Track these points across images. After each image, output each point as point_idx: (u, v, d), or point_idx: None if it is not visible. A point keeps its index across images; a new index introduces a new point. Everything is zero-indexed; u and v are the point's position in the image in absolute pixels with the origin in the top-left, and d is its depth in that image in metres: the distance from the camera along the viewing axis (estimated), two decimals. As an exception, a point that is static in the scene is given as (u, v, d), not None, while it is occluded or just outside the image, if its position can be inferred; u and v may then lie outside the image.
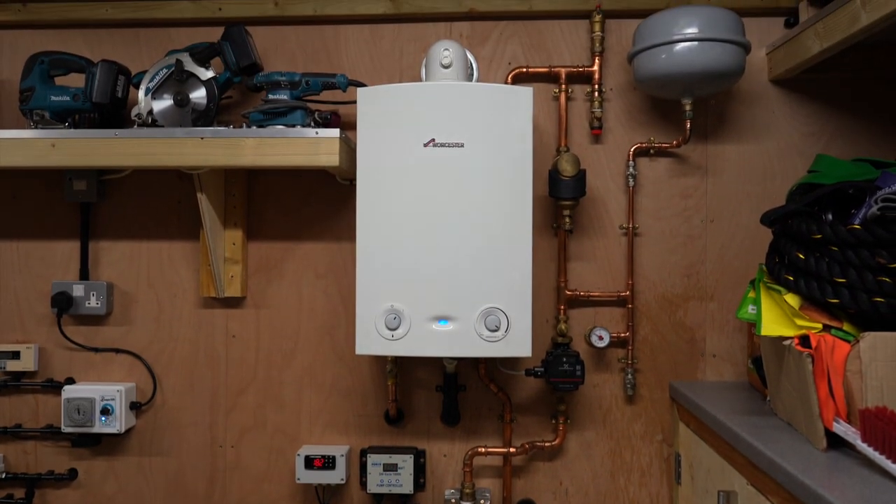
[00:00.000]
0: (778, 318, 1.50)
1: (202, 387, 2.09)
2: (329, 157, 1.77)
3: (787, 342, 1.47)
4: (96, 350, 2.10)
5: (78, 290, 2.07)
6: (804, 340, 1.42)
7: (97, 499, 2.10)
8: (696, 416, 1.80)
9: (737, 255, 2.02)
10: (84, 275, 2.09)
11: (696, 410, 1.78)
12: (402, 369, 2.04)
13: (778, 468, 1.30)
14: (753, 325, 1.89)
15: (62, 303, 2.04)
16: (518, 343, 1.75)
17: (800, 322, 1.45)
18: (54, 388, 2.08)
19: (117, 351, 2.10)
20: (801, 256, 1.50)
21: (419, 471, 2.03)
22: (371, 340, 1.76)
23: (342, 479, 1.98)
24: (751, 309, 1.68)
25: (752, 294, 1.70)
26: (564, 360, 1.90)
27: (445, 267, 1.75)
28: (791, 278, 1.51)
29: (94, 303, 2.07)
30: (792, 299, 1.49)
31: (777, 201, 1.78)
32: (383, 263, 1.76)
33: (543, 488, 2.05)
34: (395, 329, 1.75)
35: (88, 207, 2.10)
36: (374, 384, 2.06)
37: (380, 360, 2.06)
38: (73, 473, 2.09)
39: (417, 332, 1.75)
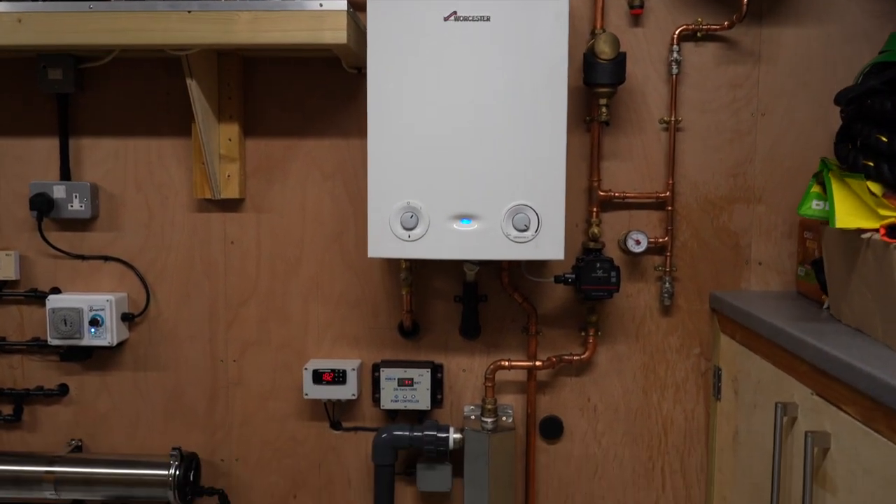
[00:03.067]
0: (855, 209, 1.32)
1: (200, 298, 1.92)
2: (335, 33, 1.55)
3: (866, 235, 1.29)
4: (82, 258, 1.92)
5: (59, 192, 1.87)
6: (891, 231, 1.23)
7: (90, 416, 1.96)
8: (744, 326, 1.64)
9: (790, 152, 1.81)
10: (65, 175, 1.89)
11: (746, 320, 1.61)
12: (417, 278, 1.87)
13: (859, 374, 1.14)
14: (806, 228, 1.71)
15: (42, 205, 1.85)
16: (549, 244, 1.57)
17: (884, 211, 1.26)
18: (38, 298, 1.90)
19: (105, 258, 1.92)
20: (884, 139, 1.30)
21: (436, 386, 1.88)
22: (385, 241, 1.58)
23: (353, 395, 1.84)
24: (815, 204, 1.50)
25: (815, 188, 1.51)
26: (598, 265, 1.72)
27: (468, 159, 1.55)
28: (871, 164, 1.31)
29: (77, 206, 1.87)
30: (874, 187, 1.29)
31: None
32: (398, 156, 1.56)
33: (570, 405, 1.90)
34: (411, 229, 1.57)
35: (66, 99, 1.88)
36: (387, 294, 1.89)
37: (393, 269, 1.88)
38: (63, 389, 1.94)
39: (437, 232, 1.57)
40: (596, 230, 1.79)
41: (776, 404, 1.37)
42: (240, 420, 1.94)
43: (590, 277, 1.72)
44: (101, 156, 1.90)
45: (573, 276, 1.74)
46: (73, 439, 1.95)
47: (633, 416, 1.90)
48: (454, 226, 1.57)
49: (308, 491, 1.95)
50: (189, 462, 1.87)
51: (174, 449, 1.85)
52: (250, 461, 1.95)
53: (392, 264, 1.87)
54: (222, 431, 1.95)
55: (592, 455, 1.91)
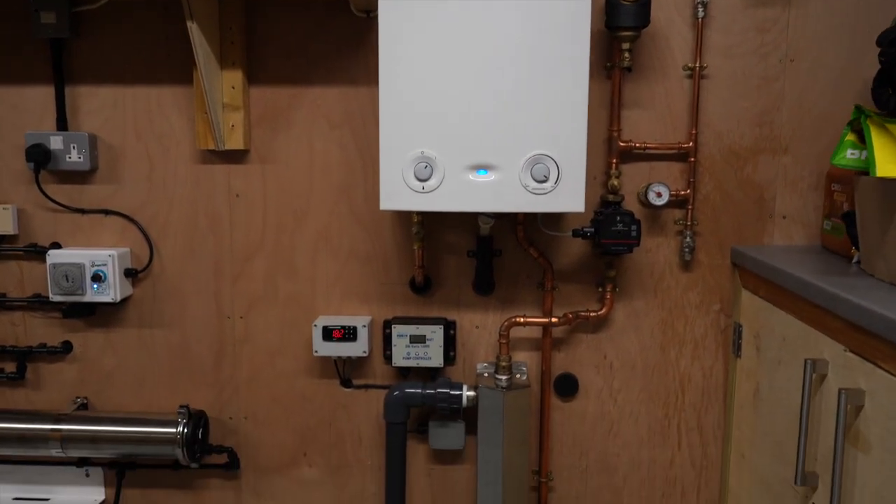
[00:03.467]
0: (897, 156, 1.25)
1: (204, 252, 1.86)
2: (344, -29, 1.46)
3: (909, 184, 1.22)
4: (82, 211, 1.85)
5: (56, 143, 1.80)
6: (937, 179, 1.17)
7: (95, 373, 1.92)
8: (769, 281, 1.58)
9: (819, 99, 1.73)
10: (62, 125, 1.81)
11: (772, 274, 1.55)
12: (429, 232, 1.81)
13: (901, 329, 1.08)
14: (834, 180, 1.65)
15: (39, 157, 1.78)
16: (569, 196, 1.50)
17: (929, 159, 1.19)
18: (38, 253, 1.85)
19: (106, 212, 1.85)
20: (930, 82, 1.22)
21: (449, 343, 1.83)
22: (397, 193, 1.51)
23: (364, 352, 1.79)
24: (850, 154, 1.43)
25: (850, 137, 1.44)
26: (618, 218, 1.65)
27: (485, 107, 1.48)
28: (916, 109, 1.24)
29: (75, 157, 1.80)
30: (918, 132, 1.22)
31: (874, 38, 1.47)
32: (411, 104, 1.48)
33: (585, 362, 1.86)
34: (426, 180, 1.50)
35: (61, 45, 1.79)
36: (398, 249, 1.83)
37: (404, 223, 1.81)
38: (67, 346, 1.90)
39: (452, 183, 1.50)
40: (615, 182, 1.72)
41: (805, 361, 1.32)
42: (247, 377, 1.90)
43: (609, 231, 1.66)
44: (99, 104, 1.82)
45: (592, 229, 1.68)
46: (78, 397, 1.92)
47: (650, 374, 1.86)
48: (470, 177, 1.50)
49: (318, 448, 1.92)
50: (197, 420, 1.84)
51: (182, 407, 1.81)
52: (259, 419, 1.92)
53: (403, 218, 1.81)
54: (230, 389, 1.91)
55: (608, 412, 1.88)
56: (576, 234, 1.69)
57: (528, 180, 1.49)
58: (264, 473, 1.94)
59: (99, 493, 1.96)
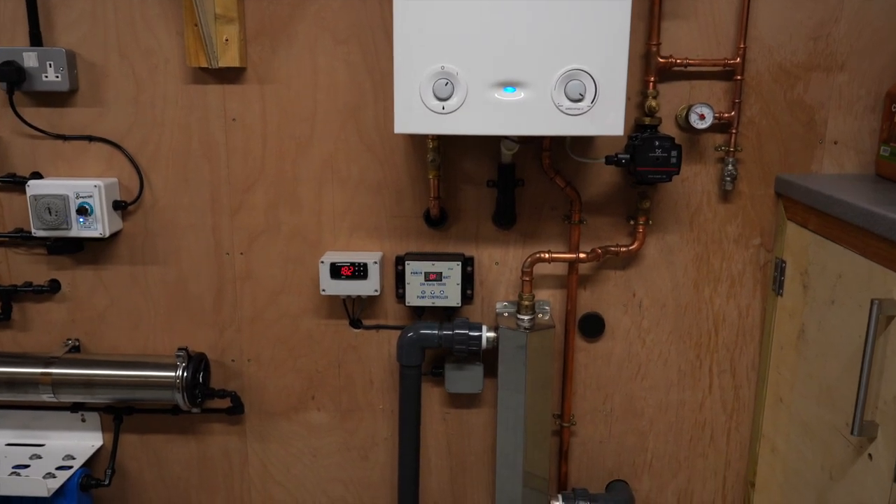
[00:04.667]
0: None
1: (199, 183, 1.70)
2: None
3: None
4: (64, 138, 1.68)
5: (30, 60, 1.61)
6: None
7: (86, 314, 1.78)
8: (821, 212, 1.44)
9: (883, 10, 1.55)
10: (35, 40, 1.62)
11: (826, 204, 1.40)
12: (446, 160, 1.65)
13: None
14: (893, 101, 1.48)
15: (12, 76, 1.59)
16: (607, 117, 1.34)
17: None
18: (17, 184, 1.69)
19: (90, 139, 1.68)
20: None
21: (467, 281, 1.70)
22: (414, 115, 1.35)
23: (376, 291, 1.66)
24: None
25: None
26: (657, 143, 1.49)
27: (514, 16, 1.30)
28: None
29: (52, 76, 1.62)
30: None
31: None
32: (430, 12, 1.31)
33: (612, 301, 1.73)
34: (446, 99, 1.34)
35: (30, -52, 1.59)
36: (411, 179, 1.68)
37: (417, 150, 1.65)
38: (54, 285, 1.76)
39: (476, 102, 1.34)
40: (653, 103, 1.55)
41: (872, 301, 1.19)
42: (250, 317, 1.77)
43: (646, 158, 1.50)
44: (76, 17, 1.63)
45: (627, 156, 1.52)
46: (69, 339, 1.79)
47: (682, 313, 1.73)
48: (496, 95, 1.33)
49: (326, 392, 1.81)
50: (197, 363, 1.72)
51: (181, 349, 1.69)
52: (263, 361, 1.80)
53: (417, 144, 1.65)
54: (232, 330, 1.78)
55: (635, 354, 1.76)
56: (609, 160, 1.53)
57: (562, 99, 1.33)
58: (270, 418, 1.83)
59: (96, 439, 1.86)
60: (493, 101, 1.34)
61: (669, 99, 1.61)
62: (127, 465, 1.88)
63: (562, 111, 1.33)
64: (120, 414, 1.81)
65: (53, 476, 1.71)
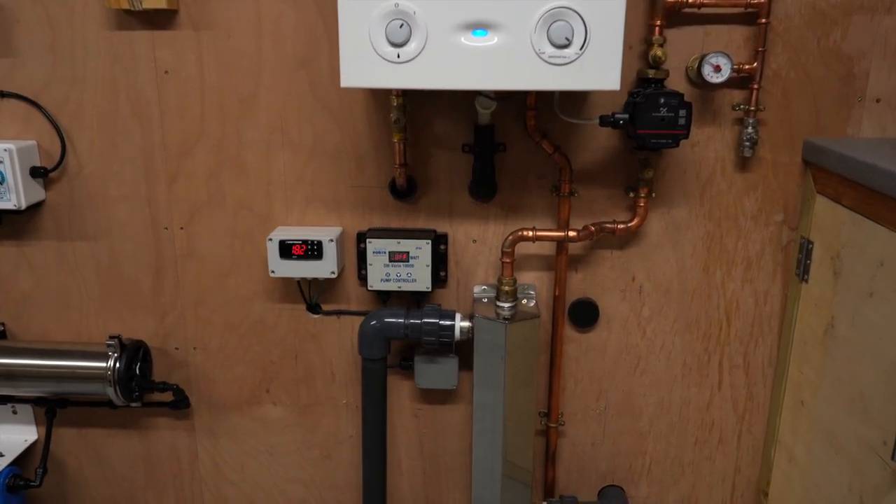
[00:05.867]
0: None
1: (130, 146, 1.47)
2: None
3: None
4: (-28, 93, 1.45)
5: (-74, 1, 1.38)
6: None
7: (10, 295, 1.57)
8: (859, 185, 1.18)
9: (942, -64, 1.27)
10: (-68, -23, 1.38)
11: (867, 175, 1.15)
12: (413, 120, 1.40)
13: None
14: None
15: None
16: (600, 67, 1.09)
17: None
18: (-80, 147, 1.46)
19: (2, 94, 1.45)
20: None
21: (439, 261, 1.47)
22: (363, 64, 1.11)
23: (332, 273, 1.43)
24: None
25: None
26: (662, 101, 1.24)
27: (484, -62, 1.04)
28: None
29: (-47, 20, 1.38)
30: None
31: None
32: (381, -65, 1.05)
33: (608, 285, 1.50)
34: (402, 44, 1.09)
35: None
36: (374, 142, 1.43)
37: (381, 108, 1.41)
38: (-27, 262, 1.55)
39: (438, 49, 1.09)
40: (659, 52, 1.29)
41: (925, 299, 0.95)
42: (194, 301, 1.56)
43: (649, 118, 1.25)
44: (-21, -50, 1.38)
45: (626, 116, 1.26)
46: (-9, 323, 1.59)
47: (689, 299, 1.50)
48: (463, 39, 1.08)
49: (283, 384, 1.60)
50: (133, 352, 1.51)
51: (112, 337, 1.48)
52: (211, 349, 1.59)
53: (380, 102, 1.40)
54: (174, 314, 1.57)
55: (634, 346, 1.53)
56: (604, 121, 1.28)
57: (544, 44, 1.08)
58: (220, 412, 1.63)
59: (30, 433, 1.66)
60: (459, 48, 1.09)
61: (679, 48, 1.35)
62: (65, 462, 1.69)
63: (544, 60, 1.08)
64: (53, 407, 1.61)
65: (-26, 477, 1.52)
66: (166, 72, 1.42)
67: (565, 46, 1.08)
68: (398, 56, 1.10)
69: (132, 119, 1.45)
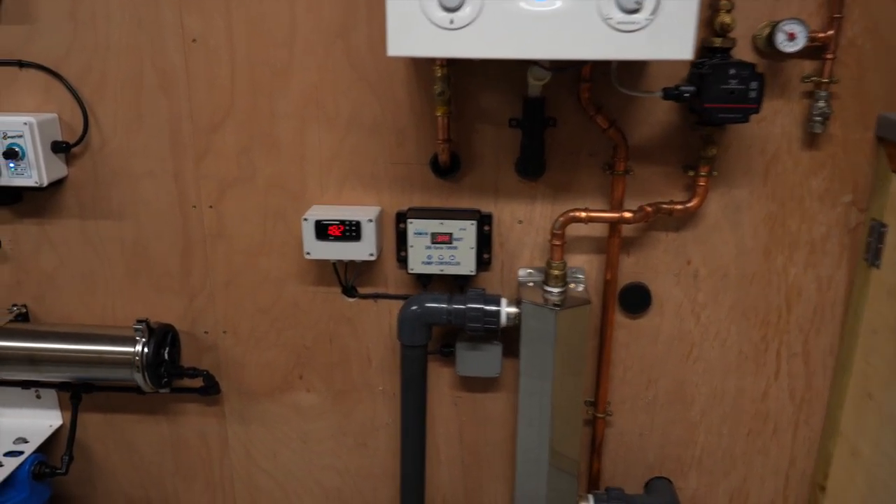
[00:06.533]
0: None
1: (157, 119, 1.39)
2: None
3: None
4: (-11, 63, 1.37)
5: (-61, -36, 1.29)
6: None
7: (32, 275, 1.51)
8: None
9: None
10: (-55, -62, 1.30)
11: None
12: (458, 92, 1.31)
13: None
14: None
15: (-83, -16, 1.28)
16: (672, 35, 1.00)
17: None
18: (-64, 120, 1.39)
19: (21, 64, 1.37)
20: None
21: (483, 243, 1.39)
22: (413, 32, 1.02)
23: (371, 255, 1.35)
24: None
25: None
26: (732, 72, 1.14)
27: None
28: None
29: (-32, -15, 1.30)
30: None
31: None
32: None
33: (662, 269, 1.41)
34: (455, 9, 1.00)
35: None
36: (416, 116, 1.35)
37: (423, 79, 1.31)
38: (-7, 242, 1.49)
39: (495, 14, 1.00)
40: (727, 19, 1.19)
41: None
42: (224, 282, 1.49)
43: (717, 91, 1.15)
44: None
45: (692, 88, 1.17)
46: (14, 305, 1.52)
47: (747, 284, 1.41)
48: (522, 3, 0.99)
49: (316, 369, 1.54)
50: (162, 336, 1.45)
51: (139, 321, 1.42)
52: (241, 333, 1.52)
53: (422, 72, 1.31)
54: (203, 296, 1.50)
55: (687, 332, 1.45)
56: (668, 94, 1.18)
57: (612, 10, 0.98)
58: (252, 398, 1.57)
59: (54, 418, 1.61)
60: (518, 13, 0.99)
61: (745, 14, 1.24)
62: (91, 448, 1.64)
63: (611, 27, 0.99)
64: (78, 392, 1.55)
65: (0, 464, 1.47)
66: (194, 40, 1.33)
67: (636, 10, 0.98)
68: (451, 22, 1.00)
69: (158, 90, 1.37)
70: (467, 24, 1.01)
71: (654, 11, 0.98)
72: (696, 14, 0.99)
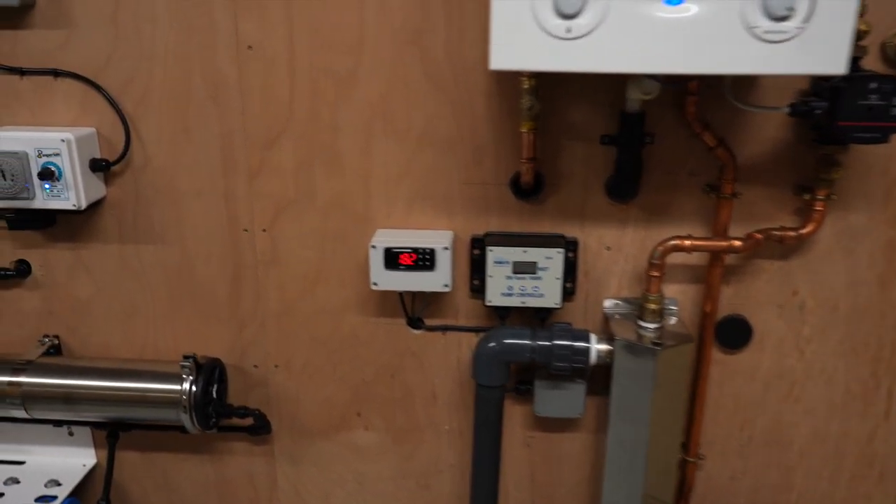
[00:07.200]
0: None
1: (206, 134, 1.25)
2: None
3: None
4: (20, 72, 1.23)
5: (-34, -38, 1.15)
6: None
7: (66, 304, 1.38)
8: None
9: None
10: (-28, -68, 1.16)
11: None
12: (547, 106, 1.17)
13: None
14: None
15: (-59, -16, 1.14)
16: (827, 45, 0.86)
17: None
18: (-38, 135, 1.25)
19: (56, 73, 1.23)
20: None
21: (568, 272, 1.25)
22: (521, 41, 0.89)
23: (446, 286, 1.22)
24: None
25: None
26: (872, 86, 1.00)
27: None
28: None
29: (-2, -15, 1.16)
30: None
31: None
32: None
33: (764, 300, 1.28)
34: (573, 15, 0.86)
35: None
36: (496, 132, 1.21)
37: (506, 90, 1.18)
38: (24, 267, 1.35)
39: (619, 22, 0.86)
40: (861, 26, 1.05)
41: None
42: (277, 312, 1.35)
43: (854, 107, 1.01)
44: None
45: (824, 104, 1.03)
46: (45, 336, 1.39)
47: (859, 317, 1.27)
48: (654, 11, 0.85)
49: (376, 407, 1.40)
50: (210, 372, 1.31)
51: (187, 357, 1.29)
52: (294, 367, 1.39)
53: (504, 83, 1.17)
54: (254, 327, 1.37)
55: (789, 369, 1.32)
56: (796, 110, 1.04)
57: (758, 17, 0.85)
58: (304, 437, 1.44)
59: (88, 457, 1.48)
60: (646, 20, 0.86)
61: (879, 18, 1.10)
62: (128, 488, 1.51)
63: (756, 36, 0.85)
64: (115, 430, 1.42)
65: (32, 511, 1.35)
66: (250, 47, 1.20)
67: (785, 18, 0.84)
68: (568, 30, 0.87)
69: (209, 102, 1.23)
70: (587, 34, 0.87)
71: (807, 19, 0.84)
72: (854, 23, 0.85)
